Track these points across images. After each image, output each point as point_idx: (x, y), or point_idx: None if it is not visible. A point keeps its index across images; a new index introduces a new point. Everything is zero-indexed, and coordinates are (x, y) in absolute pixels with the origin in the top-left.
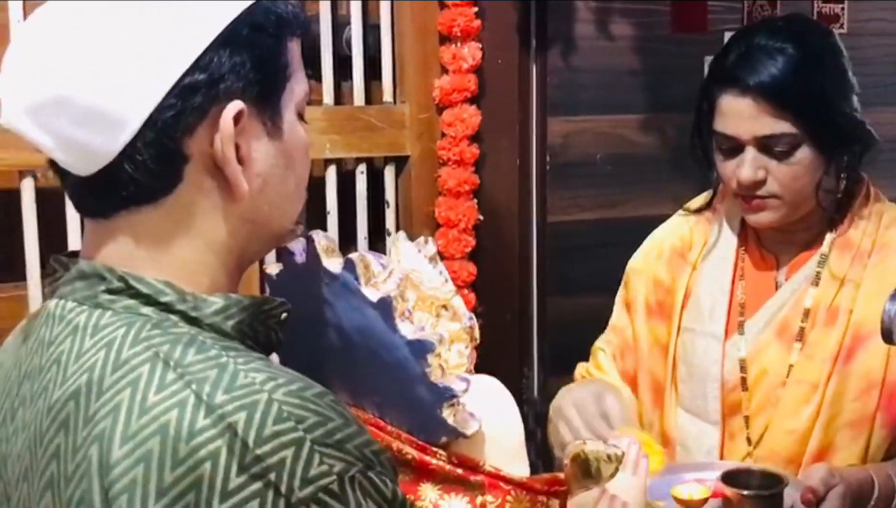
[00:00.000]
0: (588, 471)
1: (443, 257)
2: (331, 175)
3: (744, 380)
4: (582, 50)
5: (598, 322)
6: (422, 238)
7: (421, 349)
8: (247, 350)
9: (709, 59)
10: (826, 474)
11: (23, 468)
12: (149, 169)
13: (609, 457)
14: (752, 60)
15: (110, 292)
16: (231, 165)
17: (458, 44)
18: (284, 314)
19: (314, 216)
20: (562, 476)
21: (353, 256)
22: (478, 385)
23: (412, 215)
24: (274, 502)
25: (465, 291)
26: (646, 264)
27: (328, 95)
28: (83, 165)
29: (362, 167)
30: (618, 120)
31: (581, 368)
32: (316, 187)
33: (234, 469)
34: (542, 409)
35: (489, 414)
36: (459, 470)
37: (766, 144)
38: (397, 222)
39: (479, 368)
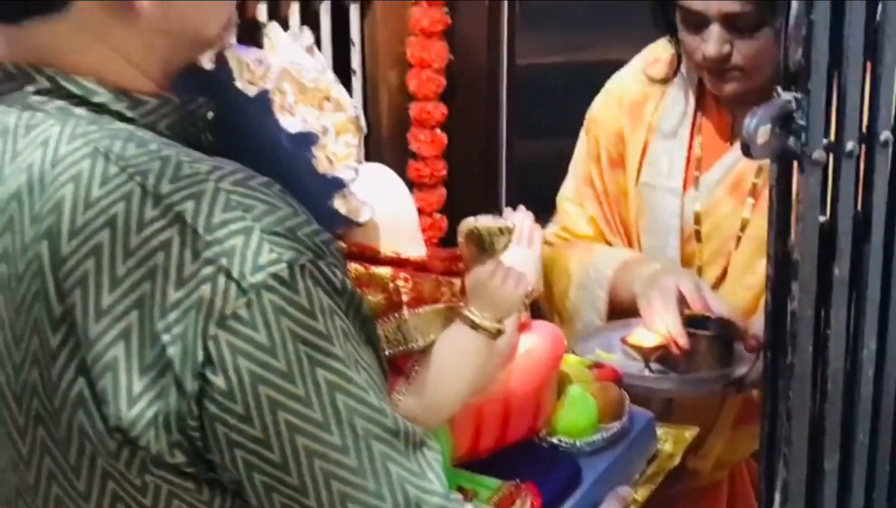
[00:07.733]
0: (482, 245)
1: (415, 98)
2: (294, 13)
3: (698, 233)
4: None
5: (566, 166)
6: (296, 27)
7: (304, 141)
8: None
9: None
10: None
11: None
12: None
13: (500, 230)
14: None
15: (40, 92)
16: None
17: None
18: (211, 114)
19: None
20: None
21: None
22: (367, 173)
23: (378, 54)
24: (226, 286)
25: (438, 131)
26: (606, 114)
27: None
28: None
29: (326, 5)
30: None
31: (553, 230)
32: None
33: (188, 256)
34: None
35: (381, 200)
36: (358, 267)
37: (731, 22)
38: (363, 61)
39: (448, 208)
